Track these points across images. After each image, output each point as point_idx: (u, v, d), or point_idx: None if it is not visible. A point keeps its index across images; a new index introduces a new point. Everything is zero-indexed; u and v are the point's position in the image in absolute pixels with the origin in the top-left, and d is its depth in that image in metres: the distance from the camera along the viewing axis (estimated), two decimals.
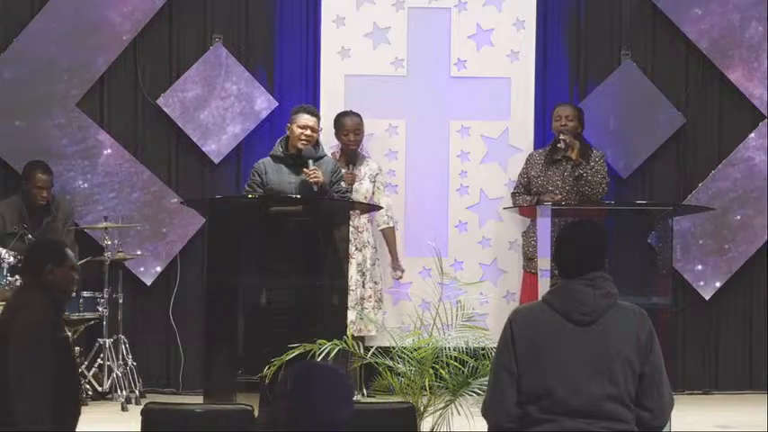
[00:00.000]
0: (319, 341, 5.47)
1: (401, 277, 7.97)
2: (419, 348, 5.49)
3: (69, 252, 4.78)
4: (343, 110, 7.90)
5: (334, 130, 7.81)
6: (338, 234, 6.56)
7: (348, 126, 7.78)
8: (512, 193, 7.95)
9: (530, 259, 7.74)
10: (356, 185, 7.66)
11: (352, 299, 7.52)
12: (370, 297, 7.73)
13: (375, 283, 7.79)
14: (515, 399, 4.02)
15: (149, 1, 8.19)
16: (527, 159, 7.92)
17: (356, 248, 7.66)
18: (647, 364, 4.04)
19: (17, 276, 7.00)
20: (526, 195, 7.83)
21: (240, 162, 8.28)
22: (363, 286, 7.71)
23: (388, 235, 7.96)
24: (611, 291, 4.09)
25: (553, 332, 4.03)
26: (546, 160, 7.81)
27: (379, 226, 7.94)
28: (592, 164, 7.70)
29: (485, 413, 4.12)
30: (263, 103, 8.23)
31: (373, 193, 7.79)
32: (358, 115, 7.83)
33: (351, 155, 7.76)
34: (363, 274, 7.72)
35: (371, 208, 7.39)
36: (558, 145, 7.71)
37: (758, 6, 8.40)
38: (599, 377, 3.97)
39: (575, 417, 3.94)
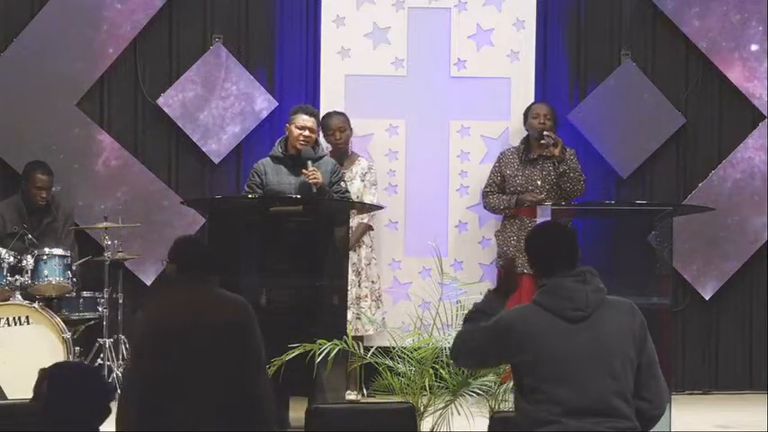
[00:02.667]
0: (319, 341, 5.49)
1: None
2: (419, 348, 5.50)
3: None
4: (340, 111, 7.88)
5: (322, 134, 7.76)
6: (338, 234, 6.56)
7: (333, 126, 7.74)
8: (484, 192, 7.90)
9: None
10: (348, 185, 7.61)
11: (348, 298, 7.52)
12: (366, 296, 7.72)
13: (372, 282, 7.78)
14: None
15: (149, 1, 8.19)
16: (499, 158, 7.89)
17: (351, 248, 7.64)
18: (644, 355, 4.04)
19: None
20: (501, 194, 7.82)
21: (240, 162, 8.27)
22: (359, 285, 7.70)
23: (358, 229, 7.73)
24: (600, 286, 4.08)
25: (548, 333, 4.00)
26: (522, 159, 7.80)
27: (356, 218, 7.77)
28: (567, 162, 7.70)
29: (455, 357, 4.27)
30: (263, 103, 8.23)
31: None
32: (342, 114, 7.80)
33: (340, 154, 7.70)
34: (359, 274, 7.71)
35: (371, 208, 7.38)
36: (542, 142, 7.69)
37: (758, 6, 8.40)
38: (601, 373, 3.95)
39: (580, 416, 3.91)
